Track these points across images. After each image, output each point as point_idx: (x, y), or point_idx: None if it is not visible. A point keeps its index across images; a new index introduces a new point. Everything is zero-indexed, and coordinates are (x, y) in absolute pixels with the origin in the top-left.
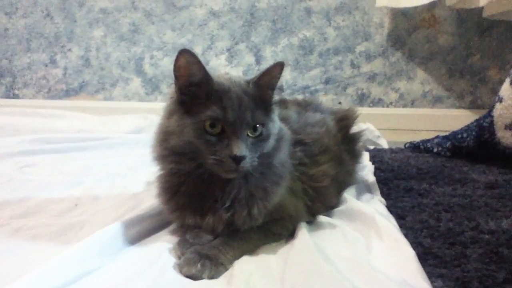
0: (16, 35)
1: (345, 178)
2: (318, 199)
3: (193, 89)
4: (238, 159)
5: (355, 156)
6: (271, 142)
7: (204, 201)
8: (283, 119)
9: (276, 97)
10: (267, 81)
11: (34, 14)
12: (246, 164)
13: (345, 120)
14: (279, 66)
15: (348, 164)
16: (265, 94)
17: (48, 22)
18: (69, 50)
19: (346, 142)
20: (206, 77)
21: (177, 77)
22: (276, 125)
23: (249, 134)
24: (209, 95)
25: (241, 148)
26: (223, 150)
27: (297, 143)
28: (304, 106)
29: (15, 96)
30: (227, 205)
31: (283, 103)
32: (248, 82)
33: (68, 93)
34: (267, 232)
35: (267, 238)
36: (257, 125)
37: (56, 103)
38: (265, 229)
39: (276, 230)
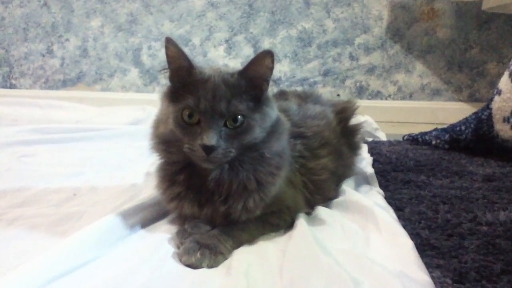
0: (13, 25)
1: (344, 171)
2: (317, 192)
3: (179, 78)
4: (208, 149)
5: (354, 149)
6: (255, 134)
7: (201, 192)
8: (284, 111)
9: (274, 89)
10: (255, 71)
11: (31, 4)
12: (218, 154)
13: (344, 112)
14: (266, 55)
15: (347, 157)
16: (255, 85)
17: (45, 11)
18: (67, 40)
19: (345, 135)
20: (188, 66)
21: (168, 65)
22: (268, 117)
23: (228, 125)
24: (189, 84)
25: (210, 138)
26: (195, 139)
27: (297, 136)
28: (304, 98)
29: (12, 86)
30: (222, 197)
31: (283, 94)
32: (233, 72)
33: (66, 84)
34: (266, 223)
35: (266, 229)
36: (238, 116)
37: (53, 93)
38: (263, 220)
39: (274, 221)
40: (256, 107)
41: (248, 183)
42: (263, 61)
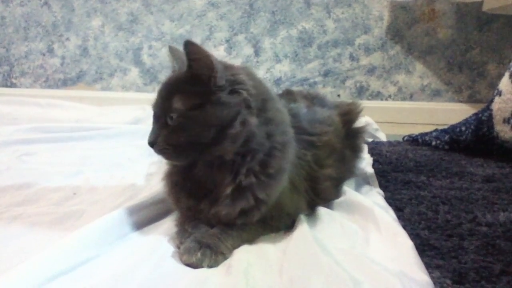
0: (13, 24)
1: (345, 174)
2: (318, 197)
3: None
4: (149, 145)
5: (356, 151)
6: (192, 132)
7: (198, 188)
8: (294, 116)
9: (275, 89)
10: (195, 64)
11: (32, 3)
12: (156, 151)
13: (348, 115)
14: (187, 45)
15: (349, 160)
16: (201, 80)
17: (46, 10)
18: (67, 39)
19: (348, 137)
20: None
21: None
22: (213, 116)
23: (168, 122)
24: None
25: (149, 135)
26: None
27: (308, 146)
28: (310, 99)
29: (13, 85)
30: (211, 197)
31: (290, 94)
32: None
33: (66, 83)
34: (266, 224)
35: (266, 230)
36: (170, 114)
37: (53, 93)
38: (264, 222)
39: (274, 224)
40: (202, 104)
41: (225, 188)
42: (190, 52)
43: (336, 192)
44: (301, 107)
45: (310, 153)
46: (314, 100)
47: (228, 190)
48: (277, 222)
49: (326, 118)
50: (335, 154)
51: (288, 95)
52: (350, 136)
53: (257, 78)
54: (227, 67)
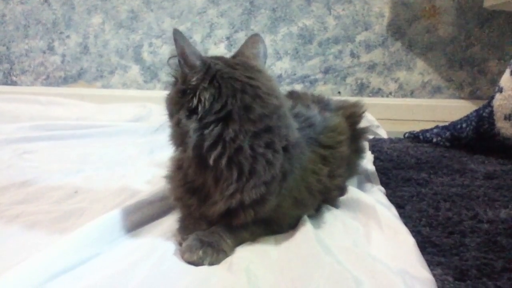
0: (13, 22)
1: (349, 175)
2: (324, 202)
3: None
4: None
5: (359, 152)
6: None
7: (192, 186)
8: (311, 126)
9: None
10: None
11: (32, 0)
12: None
13: (353, 117)
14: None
15: (353, 161)
16: None
17: (46, 8)
18: (67, 37)
19: (352, 139)
20: None
21: None
22: (166, 100)
23: None
24: None
25: None
26: None
27: (324, 160)
28: (317, 102)
29: (13, 83)
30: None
31: (298, 98)
32: None
33: (66, 81)
34: (268, 226)
35: (267, 231)
36: None
37: (54, 90)
38: (265, 223)
39: (275, 228)
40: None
41: (213, 190)
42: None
43: (340, 195)
44: (317, 115)
45: (327, 168)
46: (320, 104)
47: (216, 195)
48: (278, 228)
49: (336, 126)
50: (345, 163)
51: (298, 99)
52: (354, 138)
53: (247, 82)
54: (209, 67)
